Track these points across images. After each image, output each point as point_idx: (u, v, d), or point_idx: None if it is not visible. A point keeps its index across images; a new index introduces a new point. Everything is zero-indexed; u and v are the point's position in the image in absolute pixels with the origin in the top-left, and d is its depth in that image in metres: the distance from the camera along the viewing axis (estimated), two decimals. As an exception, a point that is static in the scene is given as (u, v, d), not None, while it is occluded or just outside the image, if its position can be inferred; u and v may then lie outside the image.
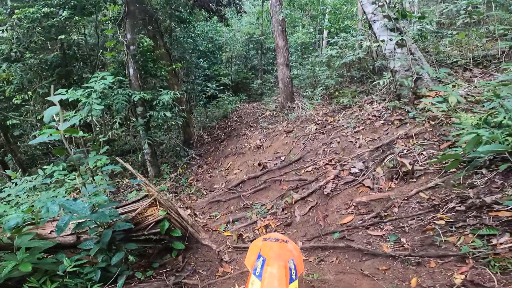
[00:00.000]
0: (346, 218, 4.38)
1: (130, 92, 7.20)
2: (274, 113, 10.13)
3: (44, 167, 5.74)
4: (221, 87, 14.47)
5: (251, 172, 6.67)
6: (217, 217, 5.80)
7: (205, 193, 7.33)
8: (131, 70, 7.69)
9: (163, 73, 8.40)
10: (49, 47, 8.41)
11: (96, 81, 5.32)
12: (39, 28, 7.54)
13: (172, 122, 8.16)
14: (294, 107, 9.39)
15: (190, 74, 12.41)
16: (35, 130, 9.78)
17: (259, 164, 6.70)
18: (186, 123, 9.97)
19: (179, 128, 10.27)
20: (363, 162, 4.99)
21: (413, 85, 5.70)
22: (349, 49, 8.67)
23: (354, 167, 5.04)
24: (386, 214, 4.04)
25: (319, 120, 7.34)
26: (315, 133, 6.81)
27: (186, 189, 7.59)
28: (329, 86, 9.17)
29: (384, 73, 6.98)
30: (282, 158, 6.67)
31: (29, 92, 8.16)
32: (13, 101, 8.15)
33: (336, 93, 9.06)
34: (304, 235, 4.51)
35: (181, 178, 8.39)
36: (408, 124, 5.27)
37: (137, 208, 4.26)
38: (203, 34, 14.53)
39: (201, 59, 14.17)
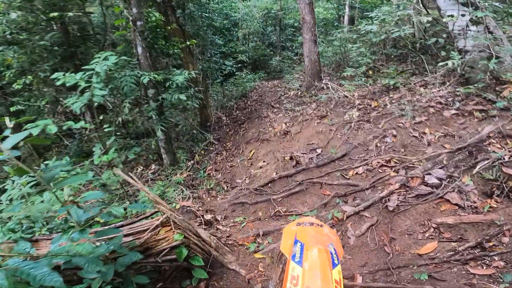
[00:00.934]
0: (427, 246, 3.02)
1: (139, 73, 5.74)
2: (299, 92, 8.57)
3: (46, 162, 4.64)
4: (238, 65, 12.90)
5: (282, 168, 5.26)
6: (242, 225, 4.49)
7: (225, 187, 5.99)
8: (139, 49, 6.19)
9: (175, 51, 6.88)
10: (47, 28, 6.97)
11: (98, 62, 4.46)
12: (35, 7, 6.11)
13: (187, 103, 6.72)
14: (323, 87, 7.82)
15: (206, 51, 10.82)
16: (44, 115, 8.49)
17: (291, 158, 5.28)
18: (203, 104, 8.51)
19: (196, 109, 8.82)
20: (442, 168, 3.52)
21: (495, 68, 4.14)
22: (389, 24, 6.99)
23: (430, 174, 3.58)
24: (492, 244, 2.69)
25: (360, 104, 5.80)
26: (358, 121, 5.31)
27: (204, 182, 6.24)
28: (362, 65, 7.53)
29: (432, 52, 5.36)
30: (319, 151, 5.23)
31: (29, 77, 6.78)
32: (13, 86, 6.82)
33: (370, 71, 7.44)
34: (364, 265, 3.17)
35: (199, 168, 7.05)
36: (497, 118, 3.75)
37: (147, 228, 3.09)
38: (218, 10, 12.80)
39: (216, 36, 12.51)
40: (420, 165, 3.83)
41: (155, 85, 6.49)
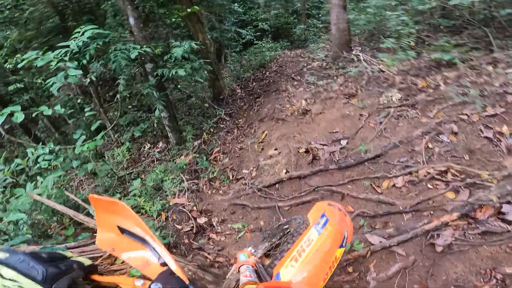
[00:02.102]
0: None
1: (130, 46, 4.40)
2: (324, 64, 6.91)
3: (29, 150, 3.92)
4: (259, 33, 11.12)
5: (294, 164, 3.90)
6: (239, 235, 3.32)
7: (231, 176, 4.74)
8: (131, 20, 4.79)
9: (177, 20, 5.39)
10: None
11: (77, 37, 3.79)
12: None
13: (191, 77, 5.36)
14: (353, 59, 6.14)
15: (224, 20, 9.17)
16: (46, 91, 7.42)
17: (307, 152, 3.91)
18: (215, 76, 7.09)
19: (207, 81, 7.43)
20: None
21: None
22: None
23: (510, 202, 2.15)
24: None
25: (401, 82, 4.18)
26: (400, 105, 3.76)
27: (208, 170, 5.02)
28: (402, 35, 5.70)
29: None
30: (343, 143, 3.81)
31: (19, 55, 5.61)
32: (6, 65, 5.73)
33: (412, 42, 5.63)
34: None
35: (205, 149, 5.81)
36: None
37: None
38: None
39: (235, 4, 10.73)
40: (494, 184, 2.37)
41: (152, 59, 5.17)
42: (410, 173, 2.85)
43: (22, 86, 6.12)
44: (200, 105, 7.30)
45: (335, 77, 5.83)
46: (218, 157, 5.52)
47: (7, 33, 5.88)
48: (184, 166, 5.23)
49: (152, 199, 4.54)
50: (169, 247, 3.31)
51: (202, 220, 3.90)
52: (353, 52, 6.33)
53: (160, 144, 6.61)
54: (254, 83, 7.79)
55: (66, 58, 3.73)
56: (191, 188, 4.56)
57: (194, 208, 3.97)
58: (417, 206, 2.66)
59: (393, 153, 3.14)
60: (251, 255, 1.61)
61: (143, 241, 1.17)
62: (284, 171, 3.86)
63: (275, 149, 4.65)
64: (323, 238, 1.32)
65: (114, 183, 5.23)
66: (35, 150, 3.93)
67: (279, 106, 5.85)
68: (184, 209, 3.92)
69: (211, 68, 6.38)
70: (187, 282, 1.04)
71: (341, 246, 1.35)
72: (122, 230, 1.23)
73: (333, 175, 3.35)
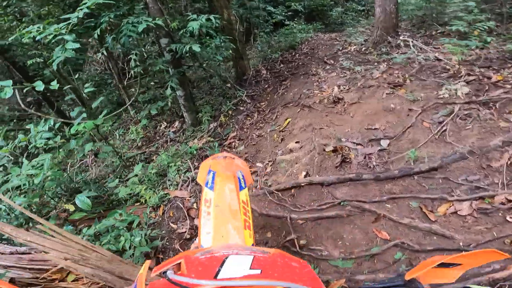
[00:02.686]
0: None
1: (142, 19, 3.66)
2: (363, 48, 5.86)
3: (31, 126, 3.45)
4: (291, 13, 9.98)
5: (317, 165, 3.05)
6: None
7: (243, 168, 3.99)
8: None
9: None
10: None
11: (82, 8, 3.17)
12: None
13: (212, 55, 4.55)
14: (399, 45, 5.08)
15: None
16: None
17: (335, 151, 3.06)
18: (240, 55, 6.24)
19: (231, 60, 6.59)
20: None
21: None
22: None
23: None
24: None
25: (469, 74, 3.16)
26: (467, 102, 2.78)
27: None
28: (461, 24, 4.52)
29: None
30: (384, 144, 2.92)
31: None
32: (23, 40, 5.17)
33: (476, 32, 4.46)
34: None
35: (220, 133, 5.07)
36: None
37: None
38: None
39: None
40: None
41: (168, 34, 4.43)
42: (482, 198, 1.96)
43: (42, 60, 5.56)
44: (221, 85, 6.51)
45: (377, 63, 4.82)
46: (233, 143, 4.77)
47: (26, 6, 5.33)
48: (195, 152, 4.54)
49: (154, 187, 3.90)
50: (156, 252, 2.64)
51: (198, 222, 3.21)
52: (400, 38, 5.24)
53: (176, 123, 5.95)
54: (282, 65, 6.86)
55: (64, 31, 3.11)
56: (196, 179, 3.87)
57: (194, 205, 3.26)
58: (487, 244, 1.80)
59: (458, 167, 2.22)
60: None
61: None
62: (304, 173, 3.03)
63: (296, 142, 3.82)
64: (217, 191, 1.22)
65: (119, 166, 4.64)
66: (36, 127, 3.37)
67: (306, 92, 4.95)
68: (182, 206, 3.23)
69: (234, 47, 5.55)
70: None
71: (241, 188, 1.27)
72: None
73: (366, 187, 2.50)
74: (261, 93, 5.89)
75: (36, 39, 3.26)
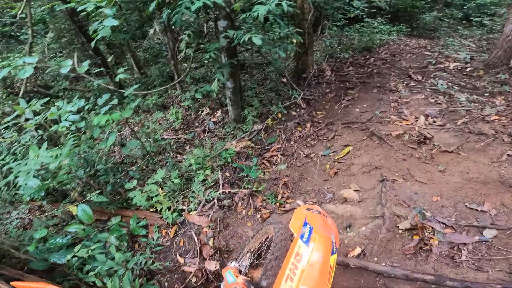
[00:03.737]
0: None
1: None
2: (469, 68, 4.23)
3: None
4: (373, 10, 8.17)
5: (383, 242, 1.88)
6: None
7: (280, 197, 2.93)
8: None
9: None
10: None
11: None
12: None
13: (272, 49, 3.39)
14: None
15: None
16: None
17: (411, 229, 1.83)
18: (305, 49, 4.96)
19: (293, 53, 5.34)
20: None
21: None
22: None
23: None
24: None
25: None
26: None
27: (257, 174, 3.24)
28: None
29: None
30: (490, 234, 1.68)
31: None
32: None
33: None
34: None
35: (263, 141, 4.01)
36: None
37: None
38: None
39: None
40: None
41: (228, 15, 3.33)
42: None
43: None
44: (276, 79, 5.35)
45: (488, 95, 3.28)
46: (275, 158, 3.68)
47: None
48: (230, 157, 3.56)
49: (174, 196, 3.04)
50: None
51: (211, 266, 2.26)
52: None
53: (219, 113, 5.00)
54: (351, 68, 5.45)
55: (104, 3, 2.25)
56: (222, 201, 2.92)
57: (211, 241, 2.33)
58: None
59: None
60: (237, 272, 1.48)
61: None
62: (359, 250, 1.90)
63: (355, 190, 2.62)
64: (313, 250, 1.10)
65: (146, 158, 3.84)
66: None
67: (379, 114, 3.61)
68: (195, 237, 2.32)
69: (301, 41, 4.28)
70: None
71: (332, 253, 1.15)
72: None
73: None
74: (319, 98, 4.64)
75: (78, 9, 2.48)
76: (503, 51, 3.85)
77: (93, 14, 2.54)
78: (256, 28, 3.31)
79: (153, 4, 2.79)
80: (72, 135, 2.86)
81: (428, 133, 2.90)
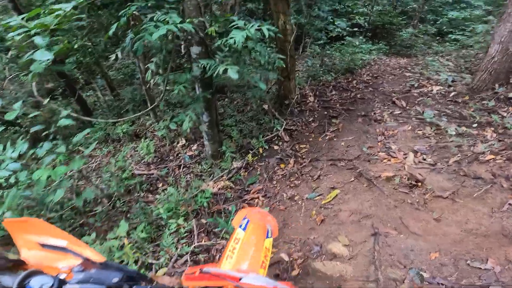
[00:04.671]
0: None
1: (171, 17, 2.37)
2: (453, 93, 4.14)
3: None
4: (353, 29, 8.31)
5: None
6: None
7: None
8: None
9: None
10: None
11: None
12: None
13: (249, 79, 3.17)
14: (511, 99, 3.36)
15: (314, 5, 6.63)
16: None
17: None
18: (287, 73, 4.78)
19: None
20: None
21: None
22: None
23: None
24: None
25: None
26: None
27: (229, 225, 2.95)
28: None
29: None
30: None
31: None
32: None
33: None
34: None
35: (243, 181, 3.72)
36: None
37: None
38: None
39: None
40: None
41: (202, 41, 3.09)
42: None
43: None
44: (258, 106, 5.12)
45: (477, 125, 3.15)
46: (257, 201, 3.41)
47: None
48: (206, 201, 3.26)
49: (142, 247, 2.71)
50: None
51: None
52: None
53: (195, 145, 4.70)
54: (334, 92, 5.31)
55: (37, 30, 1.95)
56: (197, 255, 2.62)
57: None
58: None
59: None
60: None
61: (63, 249, 1.08)
62: None
63: (345, 245, 2.36)
64: (248, 233, 1.33)
65: (112, 200, 3.48)
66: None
67: (366, 150, 3.41)
68: None
69: (284, 66, 4.08)
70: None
71: (267, 237, 1.36)
72: (43, 246, 1.10)
73: None
74: (303, 129, 4.43)
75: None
76: (488, 74, 3.78)
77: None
78: (233, 56, 3.08)
79: (113, 27, 2.51)
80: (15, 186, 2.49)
81: (420, 174, 2.71)
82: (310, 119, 4.61)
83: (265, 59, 3.30)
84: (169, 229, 2.91)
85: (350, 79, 5.78)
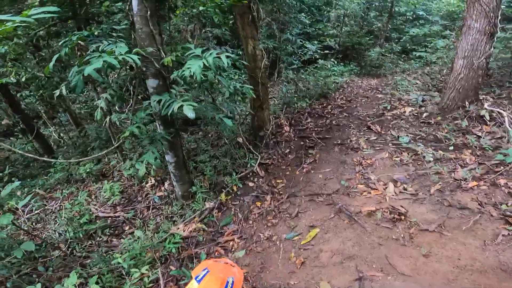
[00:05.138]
0: None
1: (120, 47, 2.19)
2: (425, 114, 4.12)
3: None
4: (325, 51, 8.58)
5: None
6: None
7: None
8: (134, 2, 2.60)
9: (210, 10, 3.02)
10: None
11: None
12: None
13: (213, 117, 2.98)
14: (484, 116, 3.34)
15: (286, 29, 6.80)
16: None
17: None
18: (260, 103, 4.66)
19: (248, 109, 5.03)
20: None
21: None
22: None
23: None
24: None
25: None
26: None
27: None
28: None
29: None
30: None
31: None
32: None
33: None
34: None
35: (216, 222, 3.43)
36: None
37: None
38: None
39: (303, 14, 8.37)
40: None
41: (159, 72, 2.90)
42: None
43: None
44: (231, 139, 4.93)
45: (453, 149, 3.07)
46: (231, 243, 3.11)
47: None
48: (174, 248, 2.94)
49: None
50: None
51: None
52: (485, 106, 3.50)
53: (165, 185, 4.40)
54: (309, 120, 5.23)
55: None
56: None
57: None
58: None
59: None
60: None
61: None
62: None
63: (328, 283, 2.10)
64: (202, 285, 1.28)
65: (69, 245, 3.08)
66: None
67: (345, 183, 3.23)
68: None
69: (255, 96, 3.92)
70: None
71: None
72: None
73: None
74: (279, 162, 4.25)
75: None
76: (456, 92, 3.80)
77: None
78: (193, 89, 2.90)
79: (54, 59, 2.28)
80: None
81: (402, 206, 2.54)
82: (287, 151, 4.45)
83: (231, 91, 3.14)
84: (130, 279, 2.57)
85: (324, 104, 5.75)
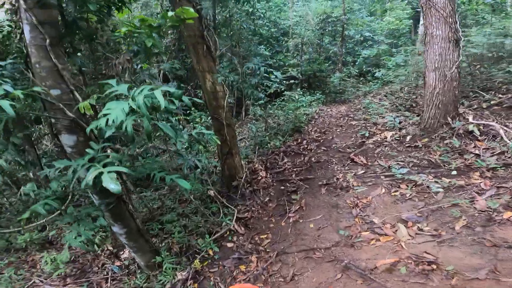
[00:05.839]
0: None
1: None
2: (409, 137, 3.84)
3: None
4: (290, 81, 8.71)
5: None
6: None
7: None
8: (26, 31, 1.93)
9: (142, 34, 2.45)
10: None
11: None
12: None
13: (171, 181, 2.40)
14: (472, 131, 3.07)
15: (247, 63, 6.65)
16: None
17: None
18: (228, 148, 4.13)
19: (216, 156, 4.47)
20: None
21: None
22: None
23: None
24: None
25: None
26: None
27: None
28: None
29: None
30: None
31: None
32: None
33: None
34: None
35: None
36: None
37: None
38: (265, 16, 8.75)
39: (262, 46, 8.48)
40: None
41: (76, 124, 2.18)
42: None
43: None
44: (201, 194, 4.26)
45: (457, 173, 2.70)
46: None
47: None
48: None
49: None
50: None
51: None
52: (470, 119, 3.27)
53: (126, 253, 3.54)
54: (286, 160, 4.76)
55: None
56: None
57: None
58: None
59: None
60: None
61: None
62: None
63: None
64: None
65: None
66: None
67: (344, 233, 2.68)
68: None
69: (219, 142, 3.36)
70: None
71: None
72: None
73: None
74: (260, 213, 3.63)
75: None
76: (436, 108, 3.59)
77: None
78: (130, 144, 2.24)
79: None
80: None
81: (427, 252, 2.02)
82: (266, 199, 3.87)
83: (184, 139, 2.52)
84: None
85: (299, 140, 5.37)
